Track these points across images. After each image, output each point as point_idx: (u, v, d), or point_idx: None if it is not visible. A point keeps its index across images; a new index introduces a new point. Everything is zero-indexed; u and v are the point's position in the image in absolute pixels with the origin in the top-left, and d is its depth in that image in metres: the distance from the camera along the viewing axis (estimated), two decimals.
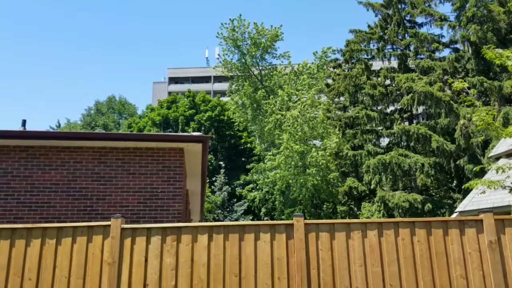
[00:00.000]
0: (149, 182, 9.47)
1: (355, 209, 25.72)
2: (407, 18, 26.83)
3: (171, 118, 39.70)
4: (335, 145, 24.59)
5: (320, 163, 24.21)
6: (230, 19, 33.02)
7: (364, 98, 26.18)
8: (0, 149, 9.23)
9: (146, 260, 5.65)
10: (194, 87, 58.92)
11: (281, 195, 27.24)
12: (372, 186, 23.29)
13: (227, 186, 33.30)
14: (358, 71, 26.56)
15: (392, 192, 22.84)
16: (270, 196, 28.96)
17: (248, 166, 31.78)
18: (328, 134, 25.46)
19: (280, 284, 5.55)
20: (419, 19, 26.68)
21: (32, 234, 5.72)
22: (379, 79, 26.11)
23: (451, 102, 22.02)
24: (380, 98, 25.28)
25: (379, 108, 26.25)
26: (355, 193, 25.20)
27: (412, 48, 25.77)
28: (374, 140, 25.69)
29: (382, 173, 22.72)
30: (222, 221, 30.51)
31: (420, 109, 25.75)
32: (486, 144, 20.93)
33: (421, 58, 25.28)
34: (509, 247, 5.66)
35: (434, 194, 25.08)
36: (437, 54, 25.70)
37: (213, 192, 32.36)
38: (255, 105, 32.63)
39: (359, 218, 23.85)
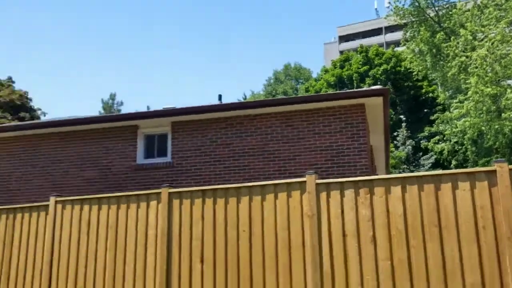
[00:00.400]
0: (333, 140, 9.78)
1: None
2: None
3: (345, 77, 39.48)
4: None
5: None
6: None
7: None
8: (205, 121, 10.60)
9: (342, 212, 5.95)
10: (365, 41, 57.08)
11: (473, 145, 25.04)
12: None
13: (410, 140, 31.98)
14: None
15: None
16: (460, 147, 26.87)
17: (431, 117, 29.89)
18: None
19: (486, 233, 5.28)
20: None
21: (241, 192, 6.53)
22: None
23: None
24: None
25: None
26: None
27: None
28: None
29: None
30: None
31: None
32: None
33: None
34: None
35: None
36: None
37: (396, 147, 31.47)
38: (434, 50, 30.21)
39: None
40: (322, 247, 5.93)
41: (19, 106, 24.96)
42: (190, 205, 6.88)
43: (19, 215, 8.52)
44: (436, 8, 31.89)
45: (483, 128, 22.72)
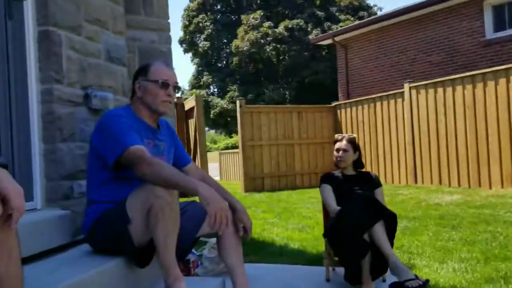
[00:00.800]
0: None
1: None
2: None
3: None
4: None
5: None
6: None
7: None
8: None
9: None
10: None
11: None
12: None
13: None
14: None
15: None
16: None
17: None
18: None
19: None
20: None
21: None
22: None
23: None
24: None
25: None
26: None
27: None
28: None
29: None
30: None
31: None
32: None
33: None
34: None
35: None
36: None
37: None
38: None
39: None
40: None
41: (357, 7, 26.55)
42: None
43: (378, 103, 9.50)
44: None
45: None
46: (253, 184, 9.59)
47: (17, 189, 1.14)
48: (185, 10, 29.08)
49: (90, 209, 2.15)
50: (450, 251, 3.70)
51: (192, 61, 29.64)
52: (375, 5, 28.67)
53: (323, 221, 3.31)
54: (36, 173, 2.38)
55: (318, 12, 25.63)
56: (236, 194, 6.99)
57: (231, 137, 32.75)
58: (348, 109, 10.20)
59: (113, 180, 2.13)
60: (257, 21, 24.98)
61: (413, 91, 8.64)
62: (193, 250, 3.04)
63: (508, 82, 6.94)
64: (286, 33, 24.54)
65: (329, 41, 15.09)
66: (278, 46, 24.65)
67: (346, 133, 8.95)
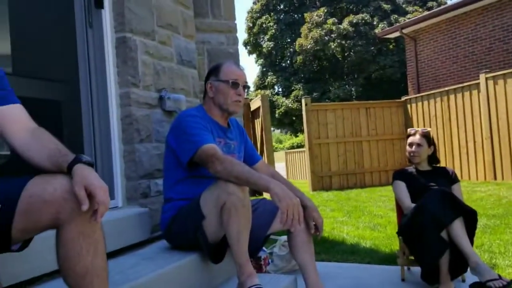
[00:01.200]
0: None
1: None
2: None
3: None
4: None
5: None
6: None
7: None
8: None
9: None
10: None
11: None
12: None
13: None
14: None
15: None
16: None
17: None
18: None
19: None
20: None
21: None
22: None
23: None
24: None
25: None
26: None
27: None
28: None
29: None
30: None
31: None
32: None
33: None
34: None
35: None
36: None
37: None
38: None
39: None
40: None
41: None
42: None
43: (451, 96, 9.06)
44: None
45: None
46: (321, 182, 9.50)
47: (102, 185, 1.21)
48: (248, 12, 29.38)
49: (167, 206, 2.24)
50: None
51: (256, 62, 29.91)
52: None
53: (397, 219, 3.22)
54: (116, 173, 2.52)
55: (384, 5, 24.87)
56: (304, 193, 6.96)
57: (297, 136, 32.65)
58: (420, 103, 9.81)
59: (188, 178, 2.20)
60: (321, 18, 24.68)
61: (490, 82, 8.14)
62: (263, 248, 3.07)
63: None
64: (351, 29, 24.03)
65: (396, 34, 14.59)
66: (343, 42, 24.21)
67: (418, 128, 8.62)
